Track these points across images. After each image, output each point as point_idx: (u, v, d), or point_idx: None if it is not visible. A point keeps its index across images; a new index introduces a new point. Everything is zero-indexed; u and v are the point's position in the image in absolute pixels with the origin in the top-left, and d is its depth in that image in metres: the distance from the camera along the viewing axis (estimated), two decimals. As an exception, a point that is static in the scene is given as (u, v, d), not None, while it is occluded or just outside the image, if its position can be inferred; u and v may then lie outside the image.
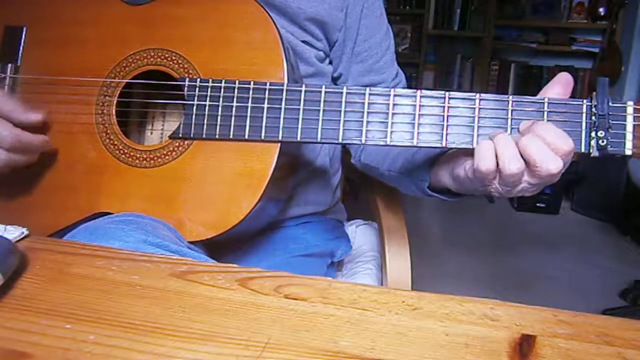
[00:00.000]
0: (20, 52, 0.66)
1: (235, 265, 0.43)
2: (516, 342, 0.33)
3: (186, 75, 0.59)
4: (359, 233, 0.96)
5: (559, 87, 0.51)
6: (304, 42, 0.71)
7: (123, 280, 0.40)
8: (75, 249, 0.45)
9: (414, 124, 0.53)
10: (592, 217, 2.66)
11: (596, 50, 3.07)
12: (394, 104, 0.53)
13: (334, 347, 0.33)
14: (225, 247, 0.74)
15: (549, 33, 3.19)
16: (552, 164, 0.46)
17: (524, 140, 0.47)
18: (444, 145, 0.52)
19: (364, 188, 0.94)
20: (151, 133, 0.72)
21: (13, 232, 0.46)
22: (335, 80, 0.79)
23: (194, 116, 0.58)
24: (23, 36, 0.66)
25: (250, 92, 0.56)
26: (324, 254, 0.79)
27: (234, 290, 0.39)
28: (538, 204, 2.70)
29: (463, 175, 0.53)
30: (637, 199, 2.33)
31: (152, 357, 0.31)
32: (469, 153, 0.53)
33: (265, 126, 0.56)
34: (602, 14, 3.00)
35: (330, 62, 0.77)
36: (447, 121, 0.52)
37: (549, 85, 0.52)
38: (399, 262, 0.78)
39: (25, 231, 0.47)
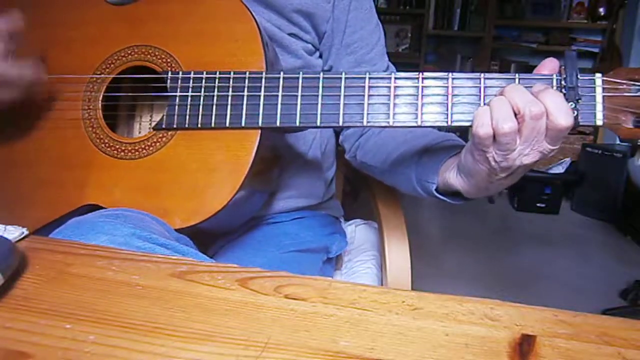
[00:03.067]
0: None
1: (235, 265, 0.43)
2: (516, 342, 0.33)
3: (169, 69, 0.61)
4: (359, 232, 0.96)
5: (545, 70, 0.52)
6: (291, 34, 0.72)
7: (123, 280, 0.40)
8: (75, 249, 0.45)
9: (389, 104, 0.54)
10: (592, 217, 2.66)
11: (596, 50, 3.07)
12: (369, 86, 0.55)
13: (334, 347, 0.32)
14: (217, 240, 0.75)
15: (549, 33, 3.19)
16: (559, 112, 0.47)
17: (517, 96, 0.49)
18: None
19: (363, 187, 0.94)
20: (139, 127, 0.74)
21: (13, 232, 0.46)
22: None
23: (176, 107, 0.59)
24: None
25: (231, 81, 0.58)
26: (318, 250, 0.80)
27: (234, 290, 0.39)
28: (538, 204, 2.70)
29: (464, 154, 0.54)
30: (637, 199, 2.33)
31: (152, 357, 0.31)
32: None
33: (246, 113, 0.57)
34: (602, 14, 3.01)
35: (320, 56, 0.78)
36: (422, 100, 0.54)
37: (536, 70, 0.53)
38: (399, 261, 0.78)
39: (25, 231, 0.47)
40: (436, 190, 0.62)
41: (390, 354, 0.32)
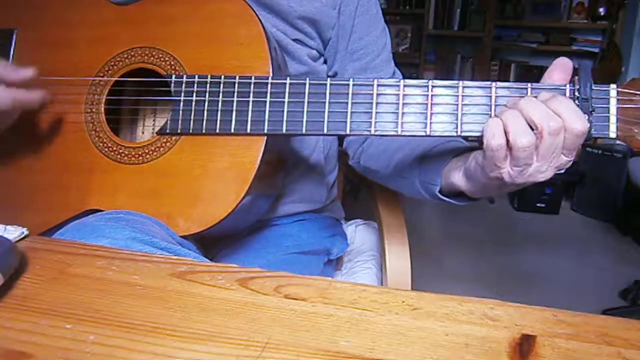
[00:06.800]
0: (11, 54, 0.66)
1: (235, 265, 0.43)
2: (516, 342, 0.33)
3: (173, 72, 0.60)
4: (359, 233, 0.96)
5: (557, 73, 0.51)
6: (296, 40, 0.71)
7: (123, 280, 0.40)
8: (75, 249, 0.45)
9: (397, 113, 0.53)
10: (592, 217, 2.66)
11: (596, 50, 3.08)
12: (377, 94, 0.54)
13: (334, 347, 0.32)
14: (219, 243, 0.75)
15: (549, 33, 3.19)
16: (577, 121, 0.45)
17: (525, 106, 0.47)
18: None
19: (364, 188, 0.94)
20: (142, 131, 0.73)
21: (13, 232, 0.46)
22: None
23: (181, 112, 0.58)
24: (14, 39, 0.67)
25: (236, 86, 0.57)
26: (319, 252, 0.79)
27: (234, 290, 0.39)
28: (538, 204, 2.69)
29: (474, 166, 0.52)
30: (637, 199, 2.33)
31: (152, 357, 0.31)
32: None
33: (251, 120, 0.56)
34: (602, 14, 3.01)
35: (325, 62, 0.77)
36: (432, 109, 0.52)
37: (547, 72, 0.51)
38: (399, 261, 0.78)
39: (25, 231, 0.47)
40: (440, 192, 0.61)
41: (390, 354, 0.32)
